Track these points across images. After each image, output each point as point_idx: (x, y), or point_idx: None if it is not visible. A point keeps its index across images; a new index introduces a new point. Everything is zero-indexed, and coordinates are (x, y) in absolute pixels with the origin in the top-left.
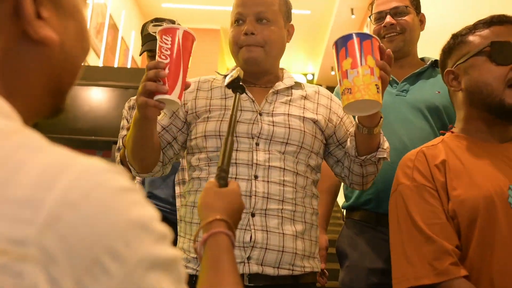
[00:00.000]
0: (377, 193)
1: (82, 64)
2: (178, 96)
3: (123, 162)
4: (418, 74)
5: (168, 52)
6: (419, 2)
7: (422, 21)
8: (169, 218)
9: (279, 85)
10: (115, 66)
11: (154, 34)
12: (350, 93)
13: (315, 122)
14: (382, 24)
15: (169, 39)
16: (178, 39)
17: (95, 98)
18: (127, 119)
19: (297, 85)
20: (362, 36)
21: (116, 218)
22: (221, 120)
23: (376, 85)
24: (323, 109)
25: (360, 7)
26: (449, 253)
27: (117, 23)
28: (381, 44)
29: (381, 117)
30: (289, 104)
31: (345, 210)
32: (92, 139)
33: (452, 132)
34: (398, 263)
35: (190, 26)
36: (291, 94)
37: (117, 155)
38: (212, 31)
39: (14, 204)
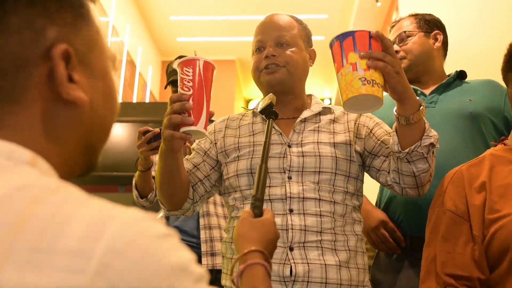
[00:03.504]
0: (406, 212)
1: (113, 123)
2: (203, 126)
3: (136, 186)
4: (445, 85)
5: (191, 84)
6: (431, 22)
7: (436, 38)
8: (194, 251)
9: (306, 113)
10: (134, 101)
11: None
12: (348, 144)
13: (347, 144)
14: None
15: (190, 70)
16: (199, 70)
17: (115, 134)
18: None
19: (326, 110)
20: (342, 36)
21: (159, 263)
22: (252, 157)
23: (360, 78)
24: (352, 125)
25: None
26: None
27: (134, 59)
28: (374, 31)
29: (420, 105)
30: (318, 131)
31: None
32: (114, 175)
33: (505, 144)
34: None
35: (207, 58)
36: (320, 120)
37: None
38: (228, 62)
39: (66, 256)
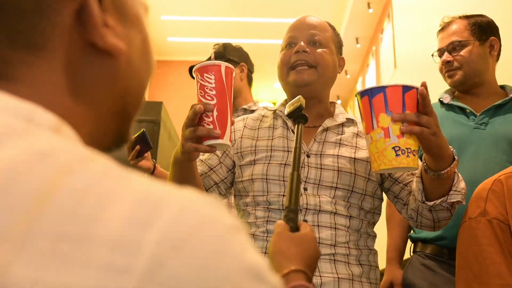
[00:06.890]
0: (449, 230)
1: (148, 82)
2: (229, 138)
3: None
4: (498, 106)
5: (214, 92)
6: (486, 28)
7: (492, 46)
8: None
9: (329, 122)
10: None
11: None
12: (369, 161)
13: (368, 162)
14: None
15: (212, 77)
16: (222, 76)
17: None
18: None
19: (349, 122)
20: (372, 92)
21: (230, 265)
22: (268, 163)
23: (394, 147)
24: None
25: (365, 37)
26: None
27: None
28: (411, 85)
29: (454, 158)
30: (339, 144)
31: (412, 243)
32: None
33: None
34: None
35: (197, 58)
36: (342, 132)
37: None
38: None
39: (104, 247)
